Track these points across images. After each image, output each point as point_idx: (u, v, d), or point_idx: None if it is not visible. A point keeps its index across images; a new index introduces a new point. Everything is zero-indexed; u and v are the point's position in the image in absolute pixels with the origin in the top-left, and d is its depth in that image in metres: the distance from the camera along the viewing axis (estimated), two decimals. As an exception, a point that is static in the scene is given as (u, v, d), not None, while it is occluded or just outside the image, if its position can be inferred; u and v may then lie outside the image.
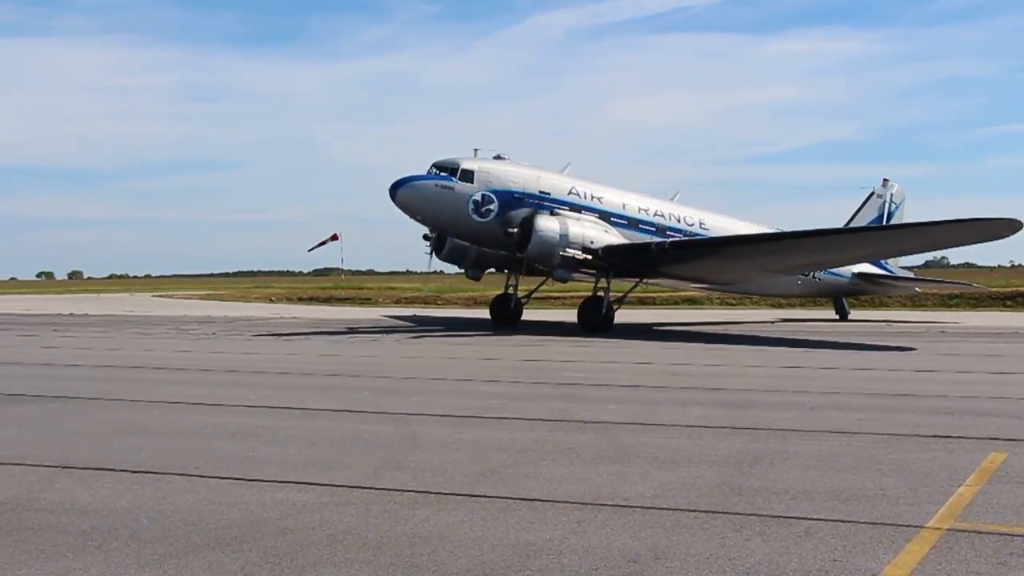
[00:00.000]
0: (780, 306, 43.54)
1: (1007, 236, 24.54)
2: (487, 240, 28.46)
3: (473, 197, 27.86)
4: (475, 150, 29.22)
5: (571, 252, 26.87)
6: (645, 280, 30.37)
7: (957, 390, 14.11)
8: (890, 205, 37.33)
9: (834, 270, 33.55)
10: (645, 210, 29.91)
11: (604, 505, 7.14)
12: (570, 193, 28.87)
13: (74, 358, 19.47)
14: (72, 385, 14.66)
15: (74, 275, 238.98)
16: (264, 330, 29.25)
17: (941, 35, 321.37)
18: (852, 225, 36.29)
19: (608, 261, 27.68)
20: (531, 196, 28.25)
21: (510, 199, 27.97)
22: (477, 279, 31.82)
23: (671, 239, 28.73)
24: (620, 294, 30.13)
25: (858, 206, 37.69)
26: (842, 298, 36.73)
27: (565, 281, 29.14)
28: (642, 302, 45.43)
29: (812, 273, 32.90)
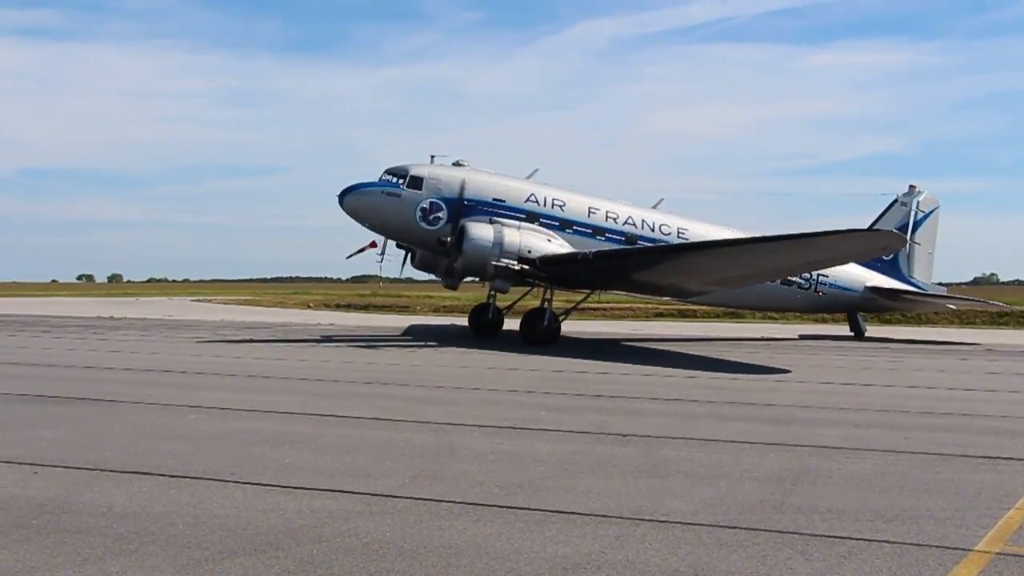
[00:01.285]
0: (797, 321, 43.09)
1: (897, 248, 24.55)
2: (437, 249, 27.71)
3: (421, 204, 27.53)
4: (431, 156, 28.79)
5: (505, 262, 26.00)
6: (601, 291, 29.82)
7: (1007, 410, 13.91)
8: (916, 214, 34.83)
9: (842, 283, 31.90)
10: (614, 218, 28.96)
11: (643, 520, 7.11)
12: (527, 200, 28.21)
13: (112, 361, 19.70)
14: (110, 388, 14.83)
15: (113, 278, 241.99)
16: (302, 336, 29.43)
17: (993, 47, 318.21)
18: None
19: (546, 271, 26.81)
20: (483, 203, 27.70)
21: (460, 206, 27.39)
22: (453, 288, 31.01)
23: (596, 250, 27.44)
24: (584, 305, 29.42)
25: (879, 214, 35.06)
26: (856, 314, 34.22)
27: (504, 292, 28.21)
28: (659, 315, 45.27)
29: (812, 286, 31.22)
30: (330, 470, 8.77)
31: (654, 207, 30.52)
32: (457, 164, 28.80)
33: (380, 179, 27.99)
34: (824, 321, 42.09)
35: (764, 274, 27.51)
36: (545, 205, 28.43)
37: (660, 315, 47.02)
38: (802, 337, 34.41)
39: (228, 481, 8.21)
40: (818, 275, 31.00)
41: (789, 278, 30.13)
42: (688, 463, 9.38)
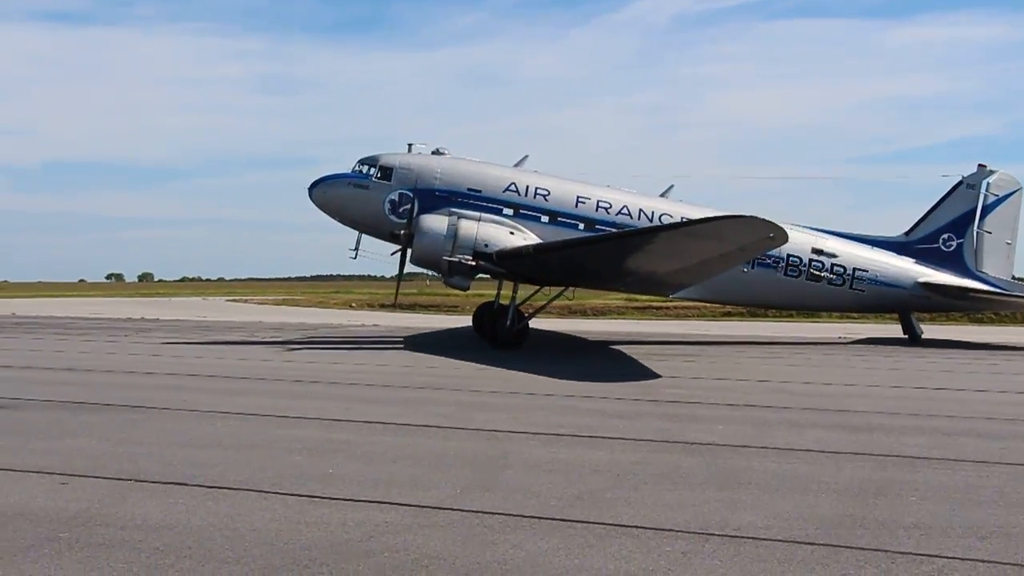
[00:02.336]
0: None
1: (776, 245, 22.49)
2: (402, 243, 27.18)
3: (390, 197, 27.24)
4: (409, 145, 28.36)
5: (459, 256, 25.43)
6: (573, 287, 28.78)
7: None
8: (986, 198, 31.80)
9: (885, 279, 30.17)
10: (606, 207, 28.23)
11: (712, 535, 7.07)
12: (507, 190, 27.66)
13: (145, 365, 19.98)
14: (143, 394, 15.04)
15: (144, 277, 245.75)
16: (343, 338, 29.63)
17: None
18: (928, 219, 32.00)
19: (504, 267, 26.10)
20: (457, 194, 27.24)
21: (431, 198, 26.98)
22: (463, 288, 28.66)
23: (537, 243, 26.52)
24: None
25: (940, 198, 32.32)
26: (910, 314, 31.78)
27: (463, 289, 27.15)
28: (727, 315, 44.92)
29: (847, 282, 29.69)
30: (376, 480, 8.82)
31: (662, 195, 29.79)
32: (437, 152, 28.46)
33: (352, 170, 27.90)
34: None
35: (670, 268, 25.25)
36: (527, 195, 27.89)
37: (728, 315, 46.74)
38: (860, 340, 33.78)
39: (268, 492, 8.29)
40: (854, 270, 29.62)
41: (814, 272, 29.17)
42: (760, 474, 9.31)
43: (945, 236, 31.37)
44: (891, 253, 30.74)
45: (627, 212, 28.25)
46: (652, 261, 24.43)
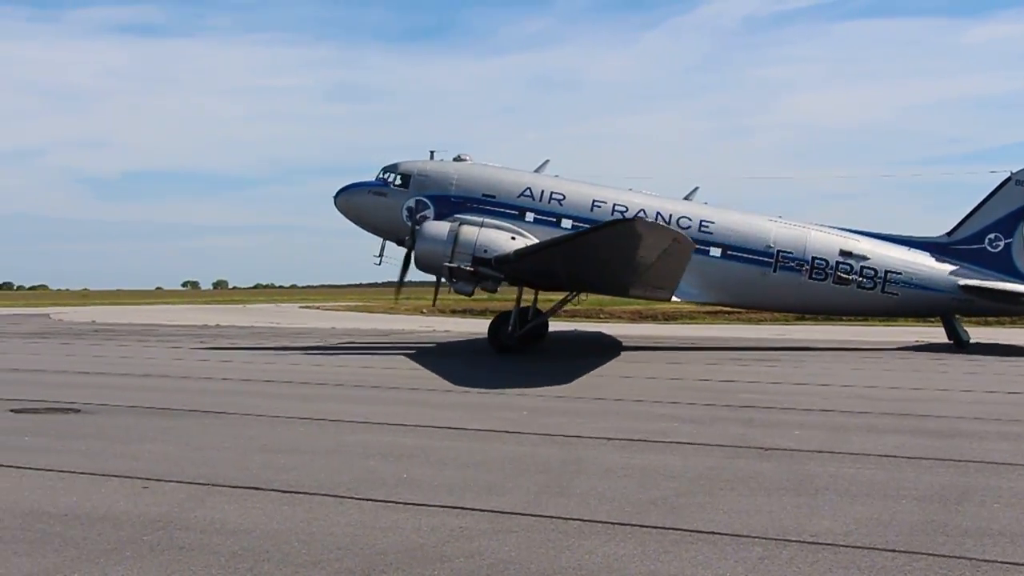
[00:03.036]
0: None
1: (684, 247, 21.87)
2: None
3: (407, 204, 27.75)
4: (431, 152, 28.86)
5: (457, 262, 25.45)
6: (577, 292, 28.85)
7: None
8: None
9: (920, 281, 28.55)
10: (622, 211, 28.00)
11: (789, 541, 7.02)
12: (521, 196, 27.95)
13: (221, 371, 20.32)
14: (220, 399, 15.31)
15: (219, 284, 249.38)
16: (415, 343, 29.84)
17: None
18: (974, 217, 29.76)
19: (503, 272, 25.87)
20: (472, 200, 27.60)
21: (446, 204, 27.44)
22: (467, 293, 28.37)
23: (519, 248, 26.05)
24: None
25: (986, 196, 30.13)
26: (952, 318, 29.80)
27: (467, 295, 27.12)
28: (801, 319, 44.34)
29: (878, 285, 28.43)
30: (450, 485, 8.89)
31: (686, 197, 29.60)
32: (458, 159, 28.84)
33: (376, 177, 28.52)
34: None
35: (609, 273, 24.82)
36: (541, 199, 28.07)
37: (802, 320, 46.21)
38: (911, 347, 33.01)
39: (344, 497, 8.40)
40: (887, 272, 28.48)
41: (841, 275, 28.24)
42: (838, 479, 9.21)
43: (992, 236, 29.55)
44: (927, 254, 29.30)
45: (644, 214, 27.88)
46: (586, 268, 24.60)
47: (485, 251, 25.71)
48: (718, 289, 28.18)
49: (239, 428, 12.43)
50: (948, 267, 29.17)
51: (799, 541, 7.03)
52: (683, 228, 27.17)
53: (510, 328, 26.40)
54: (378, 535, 7.18)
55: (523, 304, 27.42)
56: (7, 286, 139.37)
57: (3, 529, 7.27)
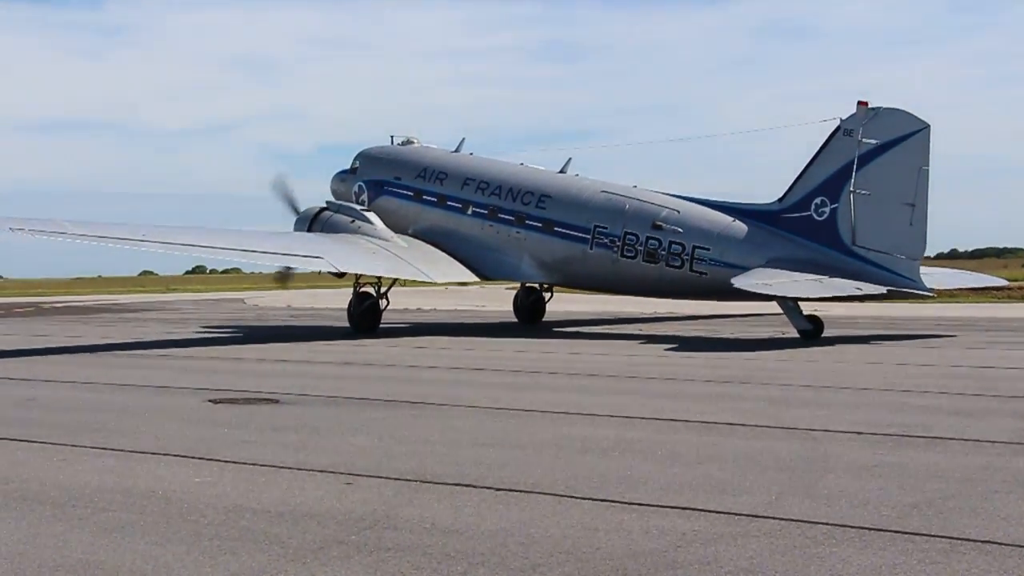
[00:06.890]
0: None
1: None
2: None
3: (354, 188, 31.40)
4: (391, 136, 32.60)
5: None
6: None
7: None
8: (861, 146, 24.18)
9: (727, 259, 25.11)
10: (483, 188, 30.22)
11: (1083, 553, 6.59)
12: (418, 176, 30.88)
13: (417, 358, 20.71)
14: (419, 389, 15.59)
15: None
16: (624, 330, 29.79)
17: None
18: (802, 179, 25.38)
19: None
20: (385, 183, 31.08)
21: (374, 187, 31.11)
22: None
23: None
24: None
25: (816, 151, 25.27)
26: (785, 302, 24.82)
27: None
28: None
29: (685, 263, 25.62)
30: (679, 484, 8.75)
31: (561, 170, 30.61)
32: (408, 142, 32.32)
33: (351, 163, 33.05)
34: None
35: None
36: (428, 179, 30.74)
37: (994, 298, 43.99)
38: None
39: (562, 495, 8.37)
40: (694, 248, 25.56)
41: (651, 252, 26.05)
42: None
43: (817, 201, 24.78)
44: (746, 227, 25.73)
45: (497, 192, 29.77)
46: None
47: None
48: (550, 269, 29.09)
49: (445, 420, 12.61)
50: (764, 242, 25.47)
51: (1094, 553, 6.60)
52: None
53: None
54: (601, 538, 7.10)
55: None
56: (199, 269, 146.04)
57: (207, 525, 7.54)
